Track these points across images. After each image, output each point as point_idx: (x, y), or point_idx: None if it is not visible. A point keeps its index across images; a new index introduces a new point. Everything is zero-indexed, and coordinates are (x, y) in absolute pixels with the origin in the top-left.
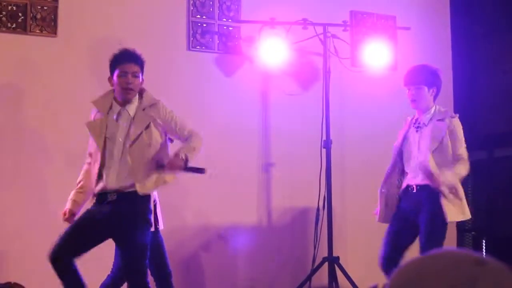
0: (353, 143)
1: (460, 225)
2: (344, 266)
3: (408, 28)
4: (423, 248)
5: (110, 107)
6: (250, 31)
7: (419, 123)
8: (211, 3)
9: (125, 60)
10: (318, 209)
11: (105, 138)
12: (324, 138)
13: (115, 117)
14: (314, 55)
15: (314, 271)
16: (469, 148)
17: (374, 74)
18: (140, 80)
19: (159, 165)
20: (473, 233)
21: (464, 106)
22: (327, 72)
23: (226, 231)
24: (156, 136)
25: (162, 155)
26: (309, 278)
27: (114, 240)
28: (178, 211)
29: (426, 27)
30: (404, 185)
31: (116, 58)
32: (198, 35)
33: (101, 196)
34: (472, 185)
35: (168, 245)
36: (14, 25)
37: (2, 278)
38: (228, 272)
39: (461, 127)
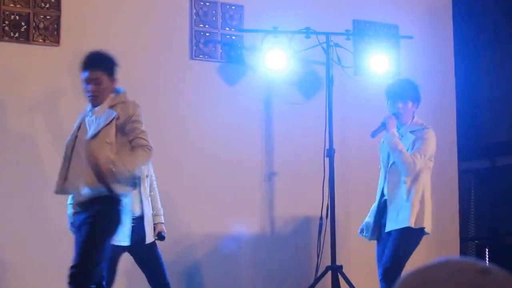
0: (356, 152)
1: (463, 234)
2: (347, 274)
3: (411, 37)
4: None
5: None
6: (253, 40)
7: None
8: (214, 12)
9: (83, 68)
10: (321, 218)
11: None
12: (327, 147)
13: (86, 119)
14: (317, 64)
15: (317, 279)
16: (471, 156)
17: (377, 83)
18: (105, 83)
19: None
20: (476, 241)
21: (466, 115)
22: (330, 81)
23: (229, 239)
24: (112, 134)
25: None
26: (312, 286)
27: None
28: (181, 220)
29: (428, 35)
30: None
31: (81, 65)
32: (201, 44)
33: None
34: (475, 193)
35: (171, 254)
36: (17, 35)
37: (5, 285)
38: (231, 281)
39: (431, 138)
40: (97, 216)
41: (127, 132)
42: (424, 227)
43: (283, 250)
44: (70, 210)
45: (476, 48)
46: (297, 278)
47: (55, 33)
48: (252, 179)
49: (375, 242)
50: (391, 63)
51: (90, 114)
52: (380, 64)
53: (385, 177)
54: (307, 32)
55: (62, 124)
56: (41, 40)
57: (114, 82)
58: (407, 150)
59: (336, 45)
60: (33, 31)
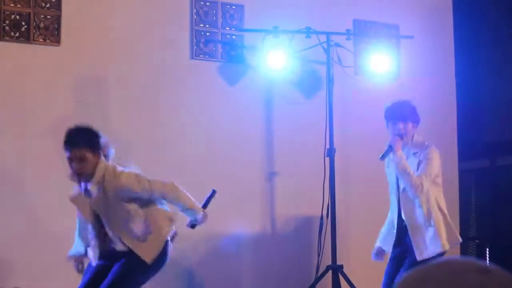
0: (357, 152)
1: (463, 234)
2: (348, 274)
3: (412, 37)
4: None
5: None
6: (253, 40)
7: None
8: (214, 12)
9: (66, 147)
10: (321, 218)
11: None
12: (327, 146)
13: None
14: (317, 63)
15: (318, 279)
16: (472, 156)
17: (377, 83)
18: (92, 159)
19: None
20: (476, 241)
21: (467, 115)
22: (330, 81)
23: (230, 239)
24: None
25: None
26: (313, 286)
27: None
28: (181, 220)
29: (429, 35)
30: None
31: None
32: (202, 44)
33: None
34: (475, 193)
35: (171, 253)
36: (17, 34)
37: (9, 284)
38: (231, 281)
39: (434, 157)
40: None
41: (140, 199)
42: (457, 242)
43: (284, 250)
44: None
45: (476, 47)
46: (298, 277)
47: (56, 32)
48: (252, 178)
49: (375, 241)
50: (391, 63)
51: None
52: (380, 64)
53: (399, 204)
54: (308, 31)
55: (62, 124)
56: (41, 40)
57: (99, 156)
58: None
59: (337, 44)
60: (34, 31)
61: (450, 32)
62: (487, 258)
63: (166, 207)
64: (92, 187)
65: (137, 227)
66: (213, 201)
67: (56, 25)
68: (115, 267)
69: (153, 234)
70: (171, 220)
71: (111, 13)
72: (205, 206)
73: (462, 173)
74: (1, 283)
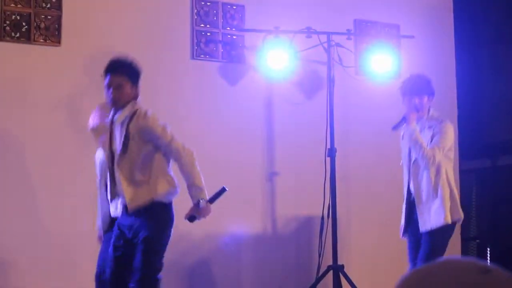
0: (358, 152)
1: (464, 233)
2: (348, 274)
3: (412, 37)
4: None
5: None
6: (254, 40)
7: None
8: (215, 12)
9: (106, 72)
10: (322, 218)
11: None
12: (328, 146)
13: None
14: (318, 63)
15: (319, 279)
16: (473, 156)
17: (378, 83)
18: (128, 89)
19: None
20: (477, 241)
21: (468, 114)
22: (331, 81)
23: (231, 239)
24: (136, 148)
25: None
26: (314, 286)
27: None
28: (182, 219)
29: (429, 35)
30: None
31: (104, 70)
32: (202, 44)
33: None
34: (476, 193)
35: (172, 253)
36: (18, 35)
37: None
38: (232, 281)
39: (449, 130)
40: None
41: (154, 145)
42: (459, 218)
43: (285, 250)
44: None
45: (477, 47)
46: (299, 277)
47: (56, 33)
48: (253, 178)
49: (376, 241)
50: (392, 63)
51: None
52: (381, 63)
53: (409, 175)
54: (308, 32)
55: (63, 124)
56: (42, 40)
57: (136, 90)
58: (427, 145)
59: (337, 44)
60: (34, 31)
61: (451, 31)
62: (488, 258)
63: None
64: (119, 118)
65: (138, 174)
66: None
67: (56, 26)
68: (138, 257)
69: (147, 186)
70: (170, 184)
71: (111, 13)
72: (211, 200)
73: (463, 173)
74: (1, 283)
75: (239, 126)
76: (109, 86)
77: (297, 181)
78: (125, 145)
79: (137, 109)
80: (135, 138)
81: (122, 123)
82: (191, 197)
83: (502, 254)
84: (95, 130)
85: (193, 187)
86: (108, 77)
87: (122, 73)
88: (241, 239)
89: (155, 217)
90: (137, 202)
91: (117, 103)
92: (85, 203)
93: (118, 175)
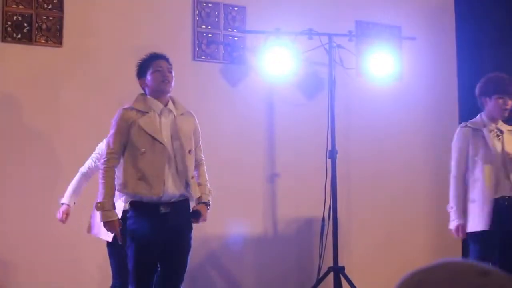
0: (359, 153)
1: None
2: (349, 275)
3: (414, 38)
4: None
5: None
6: (255, 41)
7: (499, 131)
8: (216, 13)
9: (158, 58)
10: (323, 219)
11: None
12: (329, 148)
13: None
14: (320, 65)
15: (319, 280)
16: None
17: (379, 84)
18: (173, 78)
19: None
20: None
21: (470, 115)
22: (332, 82)
23: (232, 241)
24: (193, 145)
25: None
26: (314, 287)
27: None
28: None
29: (431, 37)
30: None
31: (148, 58)
32: (204, 45)
33: (152, 207)
34: None
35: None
36: (19, 36)
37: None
38: (234, 282)
39: None
40: None
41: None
42: None
43: (286, 251)
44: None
45: (479, 49)
46: (300, 279)
47: (58, 34)
48: (254, 180)
49: (377, 242)
50: (393, 65)
51: (160, 108)
52: (382, 65)
53: (505, 171)
54: (310, 33)
55: (65, 124)
56: (43, 41)
57: None
58: None
59: (339, 46)
60: (36, 32)
61: (452, 33)
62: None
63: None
64: (178, 110)
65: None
66: (214, 202)
67: (58, 27)
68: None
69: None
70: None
71: (113, 14)
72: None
73: None
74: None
75: (240, 127)
76: (162, 68)
77: (298, 182)
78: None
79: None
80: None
81: (184, 116)
82: (203, 195)
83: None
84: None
85: (205, 188)
86: (164, 62)
87: (169, 62)
88: (243, 240)
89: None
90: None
91: (169, 85)
92: (83, 201)
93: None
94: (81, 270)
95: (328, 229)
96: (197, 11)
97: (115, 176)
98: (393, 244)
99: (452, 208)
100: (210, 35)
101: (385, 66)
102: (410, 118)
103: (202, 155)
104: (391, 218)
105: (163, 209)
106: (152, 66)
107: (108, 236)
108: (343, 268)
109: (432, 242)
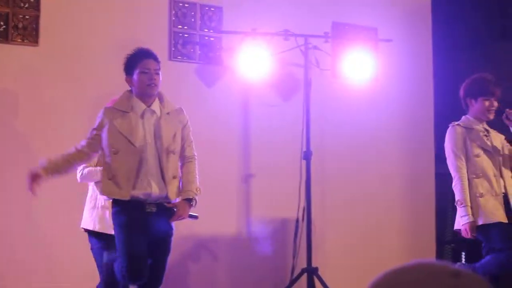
0: (334, 155)
1: (439, 238)
2: (323, 276)
3: (390, 40)
4: None
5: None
6: (231, 42)
7: (486, 130)
8: (193, 13)
9: (146, 57)
10: (297, 220)
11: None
12: (304, 149)
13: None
14: (295, 66)
15: (293, 281)
16: (444, 159)
17: (355, 86)
18: (160, 78)
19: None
20: (452, 245)
21: (445, 118)
22: (308, 83)
23: (206, 241)
24: (178, 145)
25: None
26: None
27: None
28: None
29: (407, 39)
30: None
31: (136, 55)
32: (180, 46)
33: (136, 204)
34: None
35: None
36: None
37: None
38: (207, 282)
39: None
40: None
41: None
42: None
43: (259, 252)
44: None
45: (455, 51)
46: (273, 279)
47: (34, 33)
48: (229, 180)
49: (350, 244)
50: (369, 66)
51: (143, 109)
52: (358, 67)
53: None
54: (286, 34)
55: (43, 123)
56: (19, 40)
57: None
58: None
59: (315, 47)
60: (12, 31)
61: (429, 35)
62: (463, 262)
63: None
64: (154, 107)
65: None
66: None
67: (34, 26)
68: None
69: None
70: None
71: (89, 14)
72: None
73: (439, 176)
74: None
75: (216, 128)
76: (149, 70)
77: (273, 183)
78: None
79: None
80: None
81: (170, 115)
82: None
83: (477, 258)
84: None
85: (192, 184)
86: (152, 62)
87: (158, 61)
88: (216, 241)
89: None
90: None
91: (155, 88)
92: (64, 200)
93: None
94: (61, 268)
95: (302, 230)
96: (174, 11)
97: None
98: (367, 245)
99: (462, 204)
100: (186, 35)
101: (361, 68)
102: (385, 120)
103: (194, 152)
104: (365, 219)
105: (148, 208)
106: (139, 67)
107: (87, 224)
108: (316, 269)
109: (406, 243)
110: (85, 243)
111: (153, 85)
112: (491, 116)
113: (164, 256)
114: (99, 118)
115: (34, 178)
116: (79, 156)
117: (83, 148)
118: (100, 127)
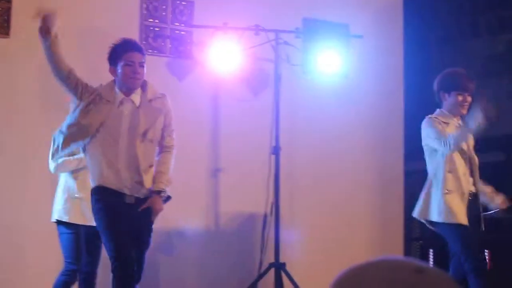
0: (303, 150)
1: (408, 235)
2: (290, 271)
3: (361, 36)
4: None
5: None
6: (202, 36)
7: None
8: (164, 7)
9: (132, 49)
10: (265, 215)
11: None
12: (273, 144)
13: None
14: (266, 61)
15: (260, 276)
16: (418, 157)
17: (325, 81)
18: (145, 70)
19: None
20: (420, 242)
21: (414, 113)
22: (278, 79)
23: (173, 236)
24: (157, 133)
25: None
26: (255, 283)
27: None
28: None
29: (379, 34)
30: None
31: (121, 47)
32: (150, 39)
33: (116, 193)
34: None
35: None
36: None
37: None
38: (174, 276)
39: None
40: None
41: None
42: None
43: (227, 246)
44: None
45: (426, 47)
46: (241, 274)
47: (6, 24)
48: (197, 174)
49: (318, 239)
50: (340, 62)
51: (121, 98)
52: (329, 62)
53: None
54: (257, 29)
55: (9, 116)
56: None
57: None
58: None
59: (285, 43)
60: None
61: (400, 31)
62: (431, 259)
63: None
64: (133, 97)
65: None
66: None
67: (6, 17)
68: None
69: None
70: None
71: (60, 6)
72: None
73: (408, 173)
74: None
75: (185, 122)
76: (133, 63)
77: (242, 178)
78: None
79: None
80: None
81: (152, 102)
82: (165, 186)
83: (445, 255)
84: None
85: (166, 175)
86: (137, 54)
87: (143, 53)
88: (184, 235)
89: None
90: None
91: (138, 81)
92: (32, 195)
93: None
94: (27, 264)
95: (270, 225)
96: (145, 5)
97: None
98: (335, 240)
99: (463, 125)
100: (157, 28)
101: (331, 64)
102: (355, 115)
103: (173, 142)
104: (333, 215)
105: (127, 200)
106: (123, 59)
107: (59, 214)
108: (284, 264)
109: (374, 240)
110: (54, 233)
111: (136, 78)
112: (464, 111)
113: (144, 252)
114: (94, 87)
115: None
116: (63, 62)
117: (70, 67)
118: (90, 90)
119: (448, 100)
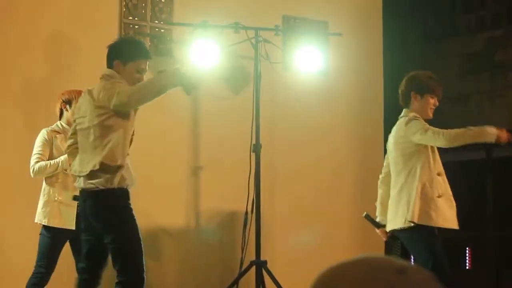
0: (283, 148)
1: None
2: (271, 270)
3: (340, 34)
4: None
5: None
6: (182, 34)
7: None
8: (143, 5)
9: (146, 58)
10: (246, 213)
11: None
12: (253, 142)
13: None
14: (246, 59)
15: (241, 274)
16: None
17: (305, 79)
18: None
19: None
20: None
21: (394, 112)
22: (258, 76)
23: (154, 234)
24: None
25: None
26: (236, 281)
27: None
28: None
29: (358, 32)
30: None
31: (141, 51)
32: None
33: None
34: None
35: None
36: None
37: None
38: (154, 274)
39: None
40: None
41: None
42: None
43: (208, 244)
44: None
45: (405, 45)
46: (222, 272)
47: None
48: (178, 172)
49: (300, 238)
50: (320, 60)
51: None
52: (308, 60)
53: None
54: (236, 27)
55: None
56: None
57: None
58: None
59: (265, 40)
60: None
61: (379, 30)
62: (412, 258)
63: None
64: None
65: None
66: (137, 194)
67: None
68: None
69: None
70: None
71: (39, 4)
72: None
73: None
74: None
75: (165, 120)
76: (143, 71)
77: (222, 175)
78: None
79: None
80: None
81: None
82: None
83: None
84: None
85: None
86: (146, 63)
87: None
88: (165, 233)
89: None
90: None
91: None
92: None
93: None
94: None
95: (251, 223)
96: (124, 2)
97: None
98: (316, 238)
99: (471, 129)
100: (137, 26)
101: (311, 61)
102: (335, 113)
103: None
104: (314, 213)
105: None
106: (137, 63)
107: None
108: (265, 262)
109: (356, 237)
110: (36, 237)
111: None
112: (431, 115)
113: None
114: None
115: None
116: None
117: None
118: None
119: (419, 102)
